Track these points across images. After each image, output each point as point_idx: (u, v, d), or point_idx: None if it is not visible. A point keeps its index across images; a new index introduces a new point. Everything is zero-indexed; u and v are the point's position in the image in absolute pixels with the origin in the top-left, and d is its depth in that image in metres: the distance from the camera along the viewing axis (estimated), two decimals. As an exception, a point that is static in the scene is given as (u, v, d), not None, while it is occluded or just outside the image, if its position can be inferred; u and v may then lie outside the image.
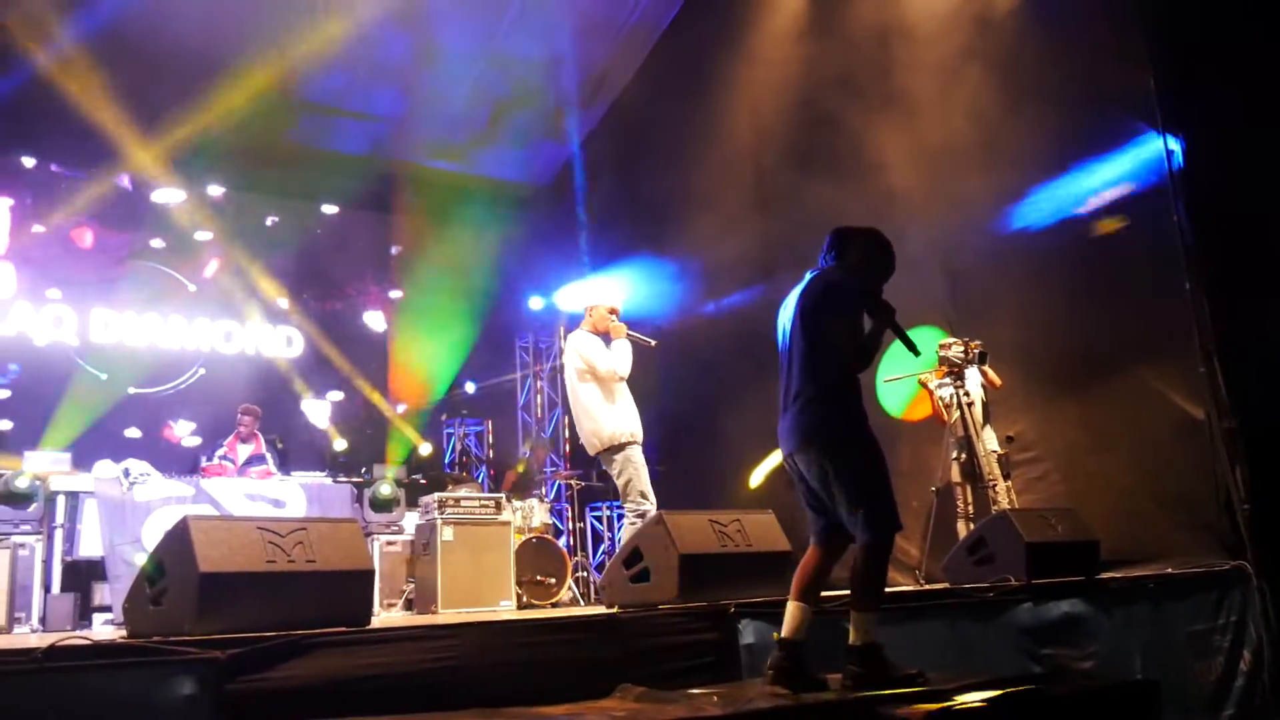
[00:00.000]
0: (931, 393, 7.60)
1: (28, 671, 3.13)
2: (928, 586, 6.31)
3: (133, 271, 10.58)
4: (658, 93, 10.35)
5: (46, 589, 7.07)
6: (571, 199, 11.36)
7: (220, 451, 8.43)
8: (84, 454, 8.23)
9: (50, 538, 7.27)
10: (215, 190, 10.98)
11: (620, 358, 6.31)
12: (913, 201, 8.05)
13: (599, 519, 10.97)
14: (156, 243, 10.75)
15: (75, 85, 8.84)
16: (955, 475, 7.38)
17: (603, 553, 10.63)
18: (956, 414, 7.22)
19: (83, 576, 7.41)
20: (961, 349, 7.12)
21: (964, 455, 7.27)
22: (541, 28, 10.21)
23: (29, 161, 10.11)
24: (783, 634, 3.86)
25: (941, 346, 7.19)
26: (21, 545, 6.72)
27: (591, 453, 6.38)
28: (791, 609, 3.91)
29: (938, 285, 8.02)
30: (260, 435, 8.73)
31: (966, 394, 7.15)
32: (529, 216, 12.10)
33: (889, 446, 8.11)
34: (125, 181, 10.40)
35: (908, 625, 4.84)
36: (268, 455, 8.67)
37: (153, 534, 6.86)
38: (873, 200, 8.19)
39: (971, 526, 6.87)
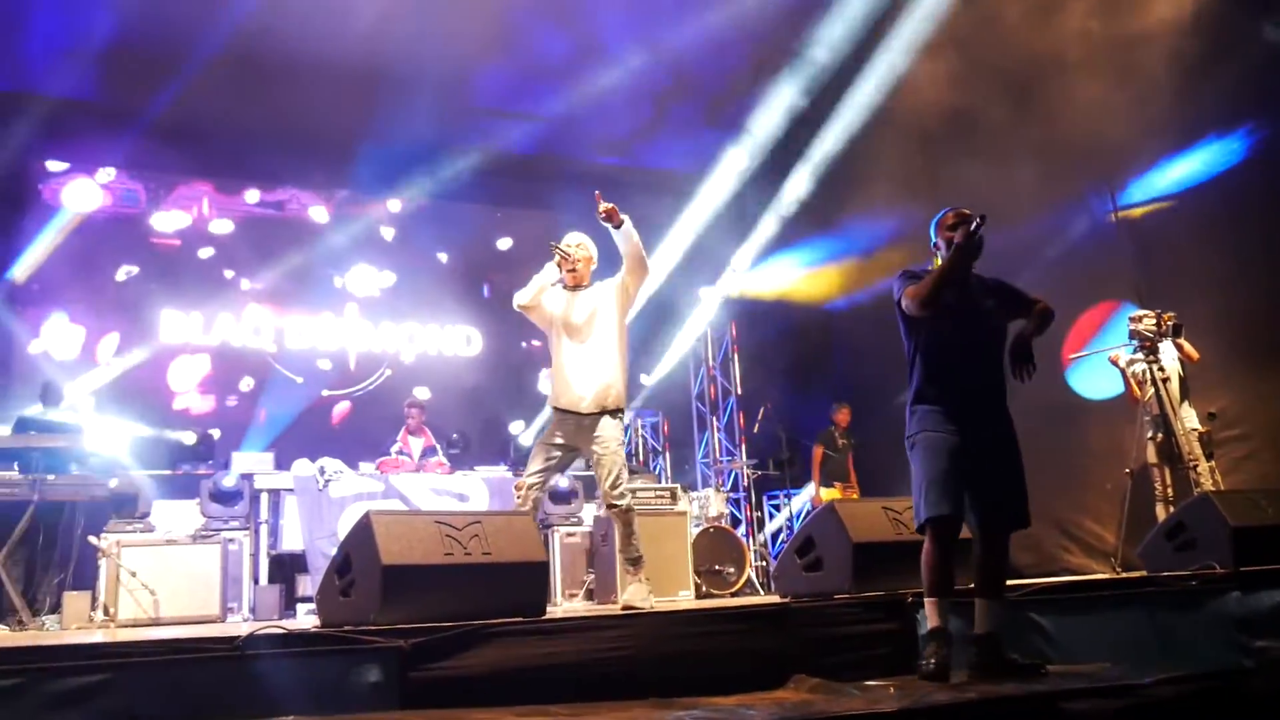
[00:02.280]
0: (1123, 369, 7.20)
1: (230, 658, 3.33)
2: (1124, 574, 5.97)
3: (315, 279, 11.14)
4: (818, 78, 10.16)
5: (255, 580, 7.55)
6: (737, 186, 11.28)
7: (395, 447, 8.76)
8: (283, 454, 8.74)
9: (256, 533, 7.76)
10: (393, 197, 11.43)
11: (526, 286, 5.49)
12: (1093, 168, 7.64)
13: (777, 507, 10.89)
14: (339, 249, 11.28)
15: (236, 98, 9.32)
16: (1152, 456, 6.97)
17: (781, 542, 10.54)
18: (1151, 391, 6.80)
19: (286, 569, 7.89)
20: (1154, 321, 6.70)
21: (1160, 435, 6.85)
22: (700, 16, 10.16)
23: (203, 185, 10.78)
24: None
25: (1132, 320, 6.80)
26: (231, 540, 7.16)
27: None
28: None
29: (1125, 255, 7.58)
30: (427, 428, 9.03)
31: (1161, 369, 6.73)
32: (696, 206, 12.09)
33: (1078, 427, 7.78)
34: (306, 199, 10.99)
35: (1102, 615, 4.59)
36: (438, 447, 8.96)
37: (347, 528, 7.20)
38: (1051, 168, 7.83)
39: (1171, 510, 6.46)
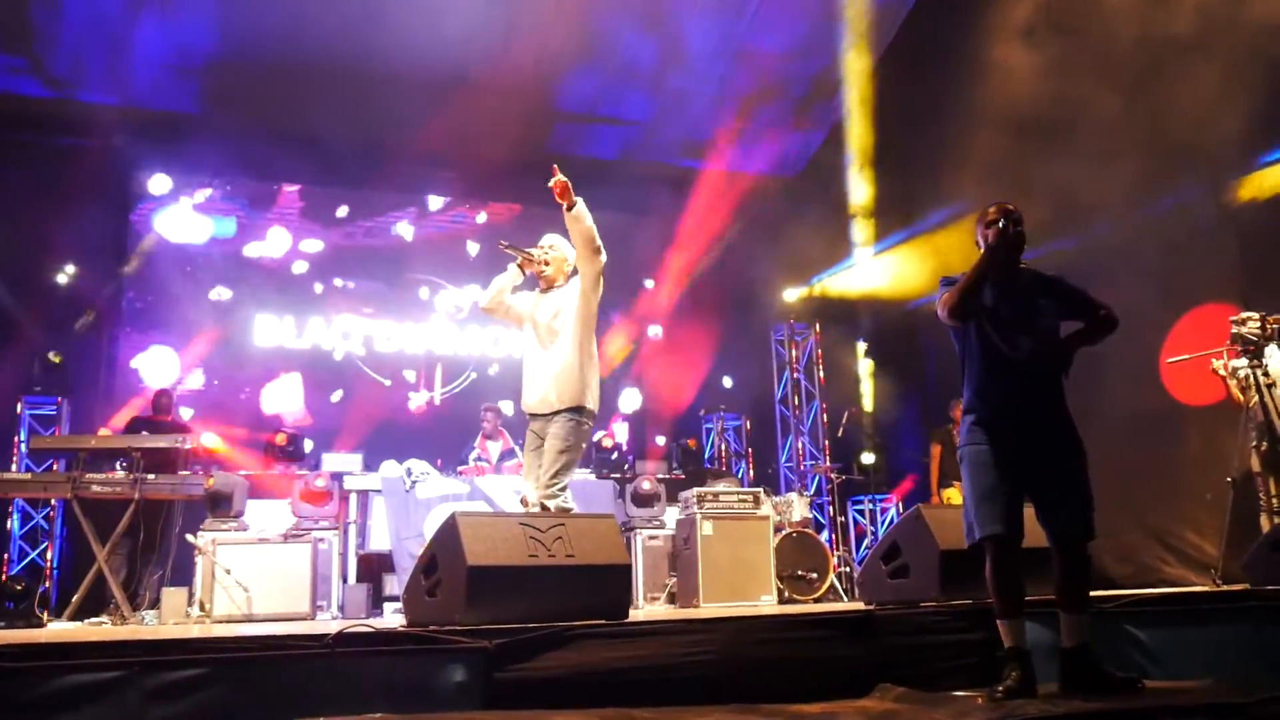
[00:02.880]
0: (1225, 375, 6.94)
1: (320, 655, 3.40)
2: (1225, 587, 5.75)
3: (408, 283, 11.32)
4: (903, 77, 10.02)
5: (343, 579, 7.71)
6: (820, 189, 11.19)
7: (473, 454, 8.84)
8: (371, 456, 8.91)
9: (345, 533, 7.93)
10: (481, 205, 11.57)
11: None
12: (1198, 163, 7.37)
13: (861, 513, 10.76)
14: (426, 256, 11.47)
15: (327, 110, 9.53)
16: (1256, 464, 6.69)
17: (866, 547, 10.41)
18: (1255, 397, 6.54)
19: (374, 568, 8.04)
20: (1259, 324, 6.43)
21: (1265, 442, 6.58)
22: (783, 20, 10.13)
23: (291, 188, 11.03)
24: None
25: (1235, 323, 6.53)
26: (321, 540, 7.31)
27: None
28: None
29: (1229, 255, 7.29)
30: (505, 431, 9.10)
31: (1266, 374, 6.46)
32: (779, 209, 12.03)
33: (1175, 433, 7.52)
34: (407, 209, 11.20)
35: (1204, 630, 4.43)
36: (516, 450, 9.03)
37: (433, 529, 7.30)
38: (1152, 163, 7.59)
39: (1277, 520, 6.21)
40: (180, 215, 10.61)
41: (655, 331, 12.26)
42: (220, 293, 10.62)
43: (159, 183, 10.53)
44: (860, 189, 10.97)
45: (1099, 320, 3.87)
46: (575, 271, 5.30)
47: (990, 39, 9.00)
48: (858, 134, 10.67)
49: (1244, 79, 7.01)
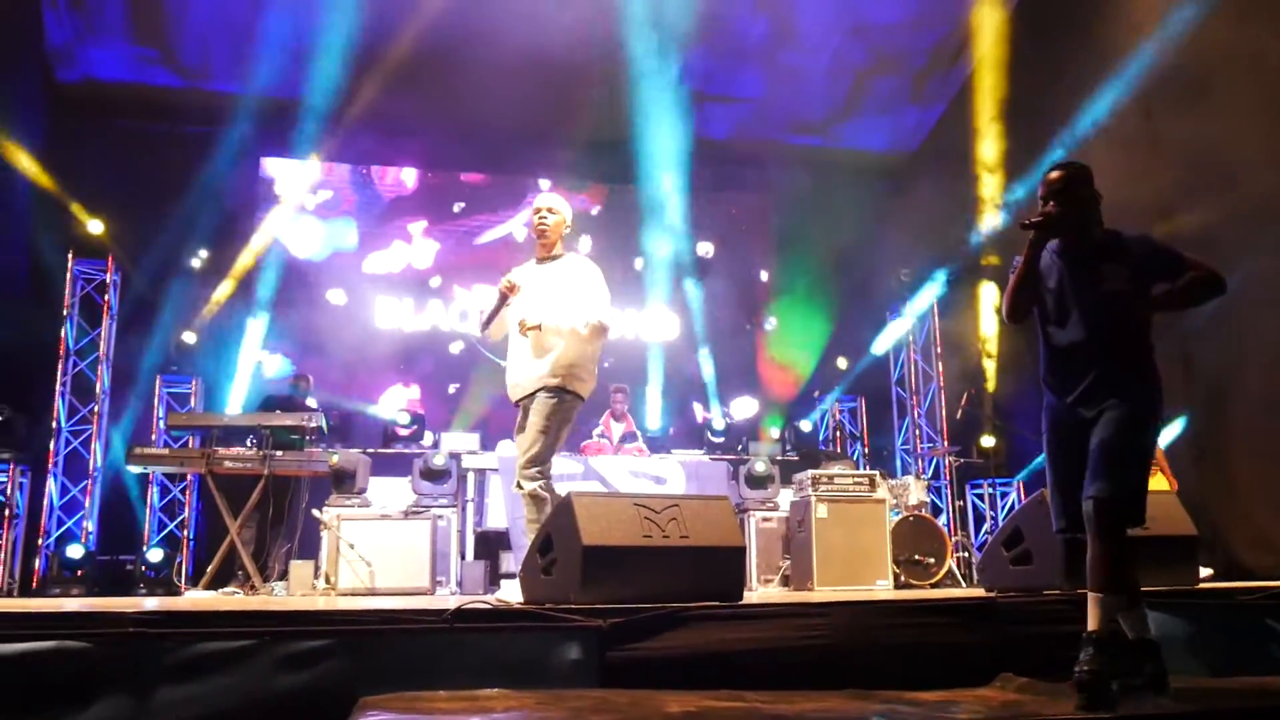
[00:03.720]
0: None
1: (439, 629, 3.48)
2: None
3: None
4: (1025, 45, 9.68)
5: (461, 556, 7.87)
6: (939, 163, 10.91)
7: (597, 430, 8.93)
8: (489, 435, 9.06)
9: (463, 510, 8.09)
10: (597, 184, 11.62)
11: None
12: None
13: (980, 497, 10.50)
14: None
15: (442, 97, 9.65)
16: None
17: (985, 532, 10.17)
18: None
19: (491, 545, 8.20)
20: None
21: None
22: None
23: (410, 173, 11.21)
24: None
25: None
26: (440, 516, 7.48)
27: None
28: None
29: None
30: (630, 415, 9.15)
31: None
32: (897, 185, 11.78)
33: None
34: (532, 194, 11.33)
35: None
36: (638, 433, 9.07)
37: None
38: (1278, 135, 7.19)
39: None
40: (303, 228, 10.93)
41: (771, 315, 12.14)
42: (337, 296, 10.91)
43: (284, 183, 10.82)
44: (976, 162, 10.63)
45: (1186, 283, 3.50)
46: (570, 237, 5.29)
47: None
48: (985, 97, 10.32)
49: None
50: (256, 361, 10.33)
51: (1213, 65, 7.72)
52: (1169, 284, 3.52)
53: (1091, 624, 3.29)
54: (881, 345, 11.83)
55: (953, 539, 8.43)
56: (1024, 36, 9.79)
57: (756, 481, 8.47)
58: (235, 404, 9.80)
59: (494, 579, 7.91)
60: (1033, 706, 3.16)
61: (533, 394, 4.95)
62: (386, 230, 11.26)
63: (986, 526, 10.27)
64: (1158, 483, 7.61)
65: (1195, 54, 7.86)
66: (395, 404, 10.45)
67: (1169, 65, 8.20)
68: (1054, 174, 3.59)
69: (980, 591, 5.25)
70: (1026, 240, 3.56)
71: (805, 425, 10.53)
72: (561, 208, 5.24)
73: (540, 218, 5.19)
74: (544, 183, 11.55)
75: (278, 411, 7.95)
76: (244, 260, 10.49)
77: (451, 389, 10.91)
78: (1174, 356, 8.00)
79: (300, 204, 10.93)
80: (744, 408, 11.48)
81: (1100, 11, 8.92)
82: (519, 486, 4.91)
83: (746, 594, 4.97)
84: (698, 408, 11.52)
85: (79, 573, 8.09)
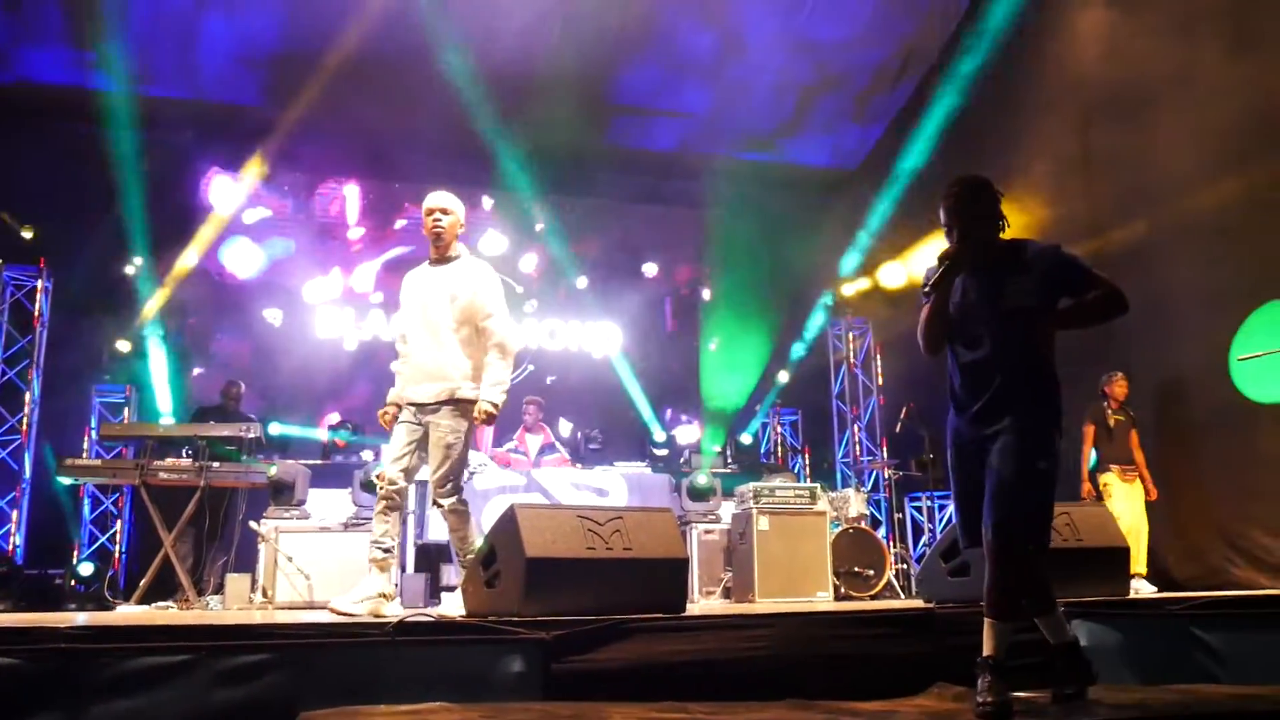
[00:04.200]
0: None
1: (382, 643, 3.45)
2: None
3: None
4: (966, 66, 9.87)
5: (402, 569, 7.78)
6: (881, 181, 11.08)
7: (510, 445, 8.83)
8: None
9: (404, 522, 8.00)
10: (538, 198, 11.58)
11: None
12: (1266, 156, 7.16)
13: (919, 509, 10.65)
14: (484, 245, 11.53)
15: (385, 104, 9.59)
16: (1330, 465, 6.54)
17: (924, 544, 10.31)
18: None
19: (432, 558, 8.11)
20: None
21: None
22: (844, 9, 10.04)
23: (352, 190, 11.09)
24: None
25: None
26: (381, 529, 7.38)
27: None
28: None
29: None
30: (546, 426, 9.10)
31: (1342, 372, 6.30)
32: (838, 202, 11.93)
33: (1247, 432, 7.35)
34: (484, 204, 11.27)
35: (1274, 634, 4.32)
36: (557, 445, 9.02)
37: (489, 520, 7.38)
38: (1211, 157, 7.42)
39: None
40: (241, 248, 10.71)
41: (711, 327, 12.21)
42: (274, 315, 10.76)
43: (220, 195, 10.64)
44: (921, 180, 10.83)
45: (1093, 301, 3.41)
46: (465, 241, 5.14)
47: (1061, 4, 8.84)
48: (919, 125, 10.51)
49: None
50: (197, 371, 10.15)
51: (1146, 85, 7.96)
52: (1074, 298, 3.45)
53: (987, 649, 3.28)
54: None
55: (892, 551, 8.53)
56: (964, 57, 9.98)
57: (698, 494, 8.50)
58: (171, 414, 9.62)
59: (434, 592, 7.83)
60: (967, 714, 3.21)
61: (435, 405, 4.79)
62: (326, 249, 11.09)
63: (925, 538, 10.41)
64: (1136, 491, 7.74)
65: (1130, 73, 8.09)
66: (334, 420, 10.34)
67: (1105, 84, 8.43)
68: (949, 193, 3.51)
69: (919, 603, 5.33)
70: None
71: (746, 438, 10.60)
72: (454, 207, 5.04)
73: (434, 220, 4.97)
74: (487, 200, 11.48)
75: (211, 422, 7.81)
76: (180, 269, 10.30)
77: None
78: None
79: (238, 218, 10.74)
80: (687, 428, 11.51)
81: (1039, 33, 9.14)
82: (437, 504, 4.82)
83: (689, 606, 5.00)
84: (645, 420, 11.55)
85: (5, 588, 7.87)
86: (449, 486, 4.75)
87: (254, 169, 10.58)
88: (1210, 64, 7.50)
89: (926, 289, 3.49)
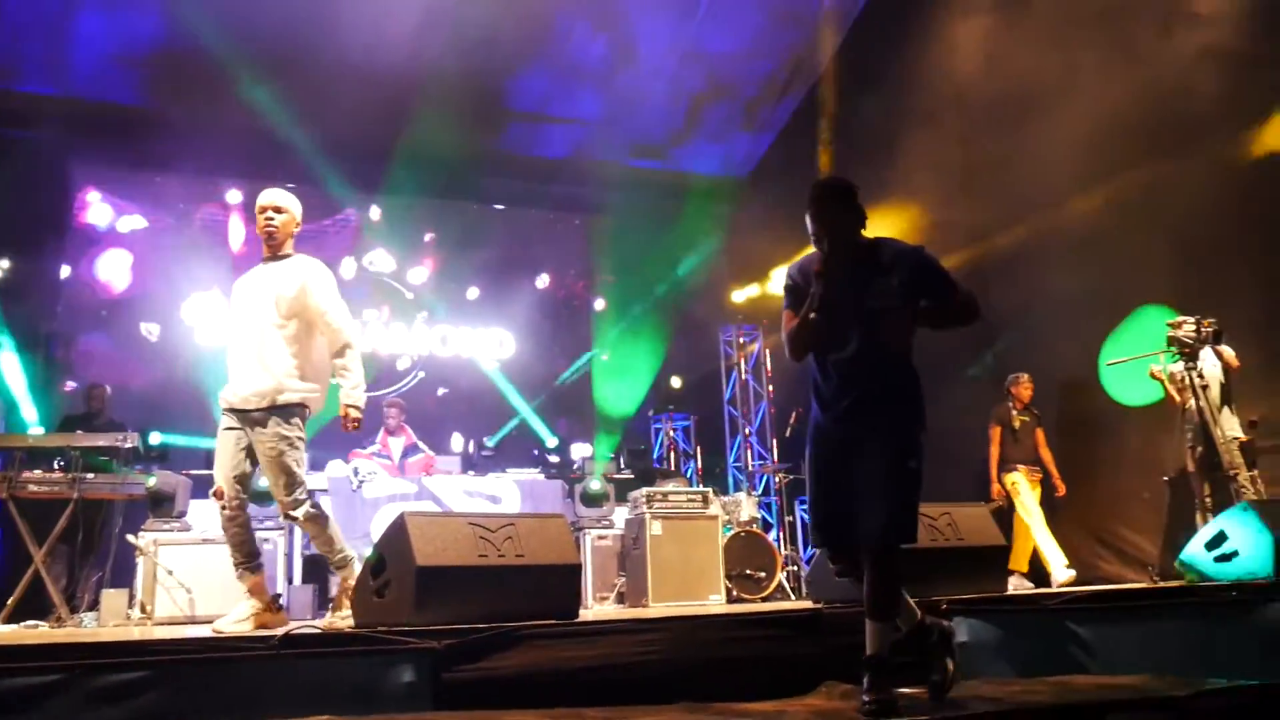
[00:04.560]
0: (1162, 377, 7.11)
1: (266, 657, 3.36)
2: (1162, 584, 5.89)
3: (355, 280, 11.19)
4: (856, 77, 10.13)
5: (289, 580, 7.60)
6: (770, 190, 11.27)
7: (373, 448, 8.65)
8: (317, 455, 8.77)
9: (291, 533, 7.81)
10: (429, 202, 11.43)
11: None
12: (1134, 166, 7.51)
13: (809, 513, 10.85)
14: (374, 252, 11.35)
15: (273, 106, 9.36)
16: (1190, 465, 6.88)
17: (813, 547, 10.49)
18: (1191, 399, 6.72)
19: (320, 568, 7.90)
20: (1193, 327, 6.59)
21: (1199, 444, 6.76)
22: (734, 20, 10.19)
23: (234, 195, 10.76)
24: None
25: (1171, 325, 6.68)
26: (266, 540, 7.16)
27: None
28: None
29: (1163, 258, 7.44)
30: (408, 427, 8.98)
31: (1201, 376, 6.63)
32: (728, 209, 12.10)
33: (1115, 434, 7.69)
34: (348, 213, 11.05)
35: (1143, 626, 4.54)
36: (420, 445, 8.88)
37: (380, 529, 7.25)
38: (1084, 166, 7.75)
39: (1209, 518, 6.37)
40: (115, 260, 10.29)
41: (603, 334, 12.25)
42: (150, 329, 10.38)
43: (97, 211, 10.21)
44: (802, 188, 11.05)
45: (948, 309, 3.49)
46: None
47: (942, 19, 9.11)
48: (807, 136, 10.73)
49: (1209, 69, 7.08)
50: (70, 385, 9.72)
51: (1027, 93, 8.26)
52: (934, 301, 3.49)
53: (870, 648, 3.34)
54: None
55: (783, 554, 8.67)
56: (850, 68, 10.23)
57: (592, 500, 8.51)
58: (39, 424, 9.19)
59: (323, 603, 7.66)
60: (853, 713, 3.28)
61: (259, 414, 4.54)
62: (205, 260, 10.66)
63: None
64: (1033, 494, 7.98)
65: (1011, 82, 8.38)
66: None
67: (986, 93, 8.71)
68: (811, 198, 3.54)
69: (809, 603, 5.42)
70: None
71: (639, 445, 10.65)
72: (289, 205, 4.82)
73: (267, 219, 4.73)
74: (374, 210, 11.28)
75: (79, 432, 7.48)
76: (52, 275, 9.87)
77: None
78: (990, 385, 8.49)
79: (112, 226, 10.33)
80: (578, 430, 11.52)
81: (922, 43, 9.40)
82: (288, 517, 4.63)
83: (583, 612, 5.00)
84: (535, 428, 11.51)
85: None
86: (293, 498, 4.54)
87: (128, 175, 10.19)
88: (1085, 73, 7.83)
89: (812, 315, 3.45)
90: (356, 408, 4.69)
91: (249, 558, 4.68)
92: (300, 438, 4.63)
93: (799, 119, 11.19)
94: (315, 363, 4.71)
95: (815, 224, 3.53)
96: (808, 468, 3.60)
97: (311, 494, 4.68)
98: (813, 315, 3.46)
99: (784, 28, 10.41)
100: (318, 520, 4.62)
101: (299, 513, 4.56)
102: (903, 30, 9.52)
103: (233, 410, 4.61)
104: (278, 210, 4.76)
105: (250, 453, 4.62)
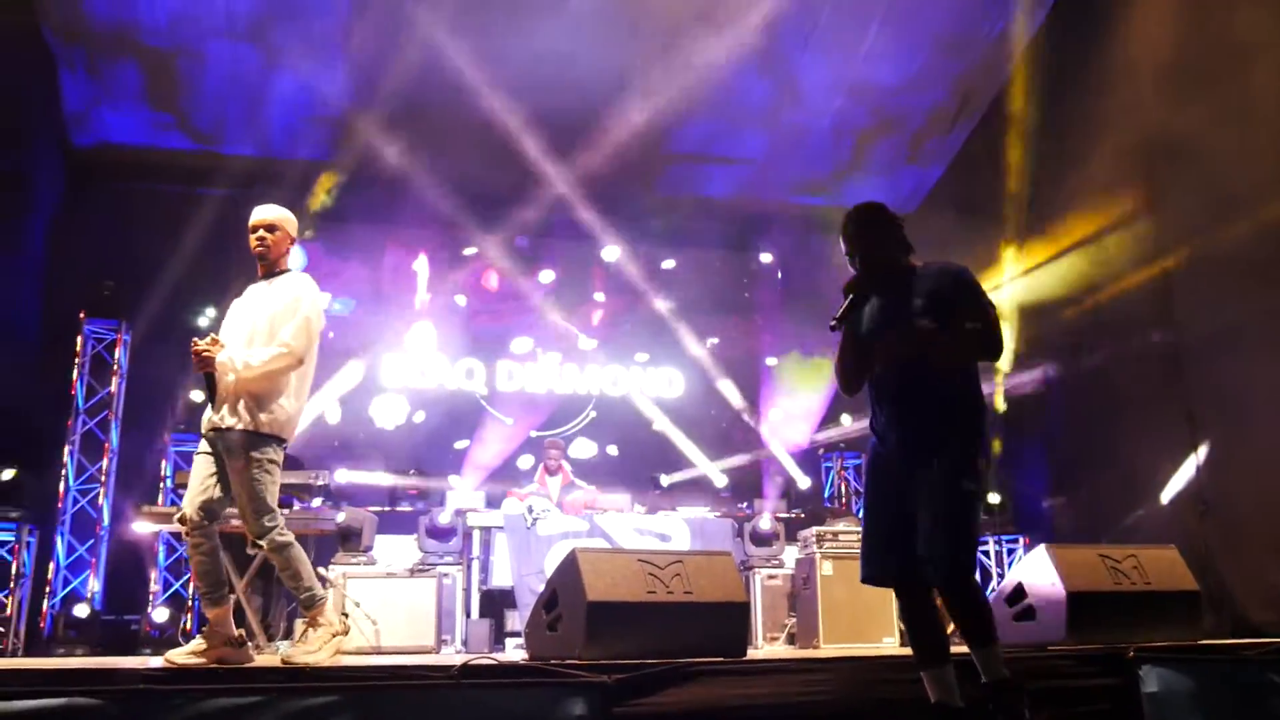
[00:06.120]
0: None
1: (446, 686, 3.51)
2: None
3: (532, 323, 11.56)
4: (1024, 109, 9.83)
5: (467, 614, 7.87)
6: (937, 223, 11.04)
7: (531, 488, 8.78)
8: (494, 492, 9.09)
9: (469, 568, 8.10)
10: (600, 247, 11.69)
11: None
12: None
13: (985, 553, 10.47)
14: (550, 295, 11.71)
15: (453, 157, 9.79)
16: None
17: (991, 588, 10.11)
18: None
19: (496, 604, 8.19)
20: None
21: None
22: (898, 53, 10.09)
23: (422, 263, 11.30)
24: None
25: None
26: (445, 575, 7.47)
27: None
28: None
29: None
30: (566, 467, 9.08)
31: None
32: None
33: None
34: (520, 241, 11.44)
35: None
36: (577, 482, 8.96)
37: (553, 565, 7.43)
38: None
39: None
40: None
41: (778, 375, 12.20)
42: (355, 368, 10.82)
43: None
44: (983, 221, 10.76)
45: (956, 336, 3.33)
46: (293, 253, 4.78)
47: (1116, 60, 8.75)
48: (978, 167, 10.47)
49: None
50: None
51: (1208, 122, 7.83)
52: (954, 318, 3.33)
53: (990, 674, 3.23)
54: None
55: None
56: (1022, 100, 9.94)
57: (761, 539, 8.46)
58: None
59: (499, 638, 7.89)
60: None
61: (234, 434, 4.33)
62: (388, 310, 11.29)
63: (993, 583, 10.23)
64: None
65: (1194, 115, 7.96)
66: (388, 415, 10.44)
67: (1162, 124, 8.30)
68: (844, 222, 3.59)
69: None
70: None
71: (808, 482, 10.54)
72: (282, 221, 4.69)
73: (259, 238, 4.62)
74: (551, 241, 11.66)
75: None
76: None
77: (459, 445, 10.95)
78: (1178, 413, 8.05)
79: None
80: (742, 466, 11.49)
81: (1096, 73, 9.05)
82: (255, 546, 4.44)
83: (751, 651, 4.99)
84: (705, 464, 11.55)
85: (84, 632, 8.09)
86: (258, 525, 4.32)
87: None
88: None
89: (834, 322, 3.49)
90: (213, 363, 4.34)
91: (213, 588, 4.45)
92: (275, 463, 4.41)
93: (968, 149, 10.95)
94: (296, 387, 4.53)
95: (846, 244, 3.58)
96: (864, 497, 3.59)
97: (279, 525, 4.42)
98: (832, 324, 3.48)
99: (951, 57, 10.23)
100: (283, 551, 4.38)
101: (263, 542, 4.35)
102: (1080, 51, 9.17)
103: (208, 433, 4.43)
104: (270, 228, 4.64)
105: (222, 479, 4.39)
